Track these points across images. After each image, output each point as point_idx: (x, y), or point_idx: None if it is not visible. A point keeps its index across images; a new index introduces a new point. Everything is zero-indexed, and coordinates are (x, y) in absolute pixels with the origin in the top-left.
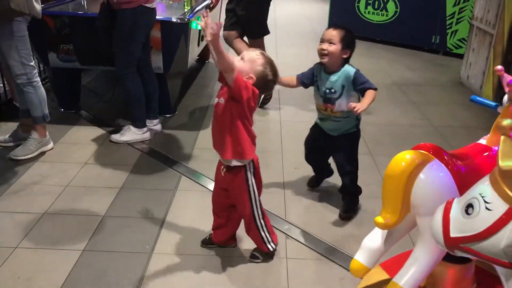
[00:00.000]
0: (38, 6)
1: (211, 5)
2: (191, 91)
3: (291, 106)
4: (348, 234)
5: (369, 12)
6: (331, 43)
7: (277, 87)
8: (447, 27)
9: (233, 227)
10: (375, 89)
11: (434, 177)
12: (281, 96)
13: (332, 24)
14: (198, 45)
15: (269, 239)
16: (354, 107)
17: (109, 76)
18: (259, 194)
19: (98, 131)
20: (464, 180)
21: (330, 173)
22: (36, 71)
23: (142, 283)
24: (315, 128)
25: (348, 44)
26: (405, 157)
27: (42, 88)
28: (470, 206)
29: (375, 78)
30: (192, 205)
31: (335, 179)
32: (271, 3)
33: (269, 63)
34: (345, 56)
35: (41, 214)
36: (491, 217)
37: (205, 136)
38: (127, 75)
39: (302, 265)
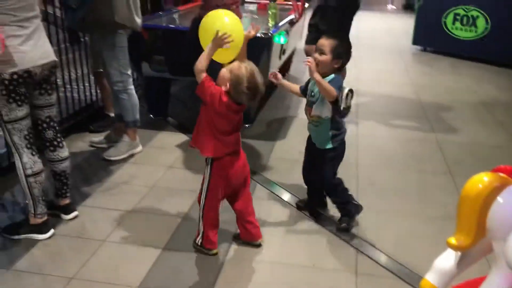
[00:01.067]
0: (138, 20)
1: (295, 20)
2: (270, 103)
3: (370, 120)
4: (421, 254)
5: (456, 28)
6: (322, 53)
7: (356, 100)
8: None
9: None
10: (335, 93)
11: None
12: (360, 109)
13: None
14: (280, 58)
15: (200, 235)
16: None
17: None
18: (215, 196)
19: (183, 137)
20: None
21: (322, 204)
22: (131, 79)
23: (215, 284)
24: (308, 136)
25: (339, 54)
26: (482, 179)
27: (135, 95)
28: None
29: (460, 96)
30: (265, 212)
31: (403, 199)
32: (355, 17)
33: (248, 76)
34: (336, 66)
35: (128, 212)
36: None
37: (282, 146)
38: None
39: (372, 282)
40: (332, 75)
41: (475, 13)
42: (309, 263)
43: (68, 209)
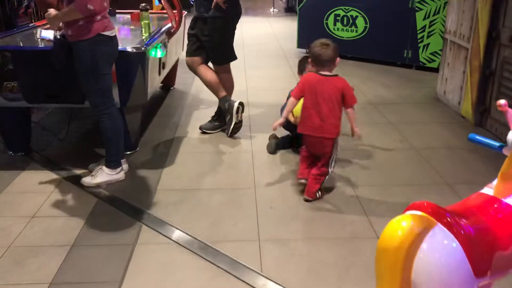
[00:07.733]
0: None
1: (172, 30)
2: (154, 123)
3: (263, 133)
4: None
5: (338, 29)
6: None
7: (247, 113)
8: (419, 41)
9: None
10: None
11: (438, 248)
12: (252, 123)
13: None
14: (159, 73)
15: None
16: None
17: (63, 112)
18: None
19: (50, 176)
20: (474, 246)
21: None
22: None
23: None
24: None
25: None
26: (401, 225)
27: None
28: None
29: None
30: (154, 263)
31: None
32: (238, 24)
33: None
34: None
35: None
36: None
37: (170, 174)
38: (102, 111)
39: None
40: None
41: (354, 13)
42: None
43: None
